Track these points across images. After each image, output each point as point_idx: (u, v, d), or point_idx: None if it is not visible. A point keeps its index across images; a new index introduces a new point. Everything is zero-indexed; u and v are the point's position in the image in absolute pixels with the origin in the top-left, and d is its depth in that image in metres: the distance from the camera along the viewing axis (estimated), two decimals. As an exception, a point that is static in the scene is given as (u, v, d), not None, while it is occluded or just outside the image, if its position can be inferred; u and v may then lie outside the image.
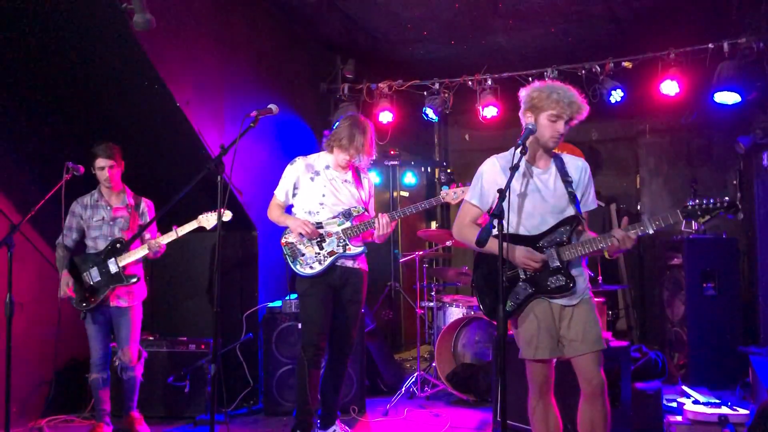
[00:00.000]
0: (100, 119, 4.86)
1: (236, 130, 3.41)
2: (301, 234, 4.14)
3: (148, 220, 4.50)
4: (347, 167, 4.27)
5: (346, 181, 4.28)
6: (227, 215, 4.33)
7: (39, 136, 4.90)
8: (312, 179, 4.23)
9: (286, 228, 4.29)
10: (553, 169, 3.15)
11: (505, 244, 2.82)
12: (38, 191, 4.44)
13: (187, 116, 4.66)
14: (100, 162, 4.38)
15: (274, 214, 4.35)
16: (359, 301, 4.29)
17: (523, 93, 3.15)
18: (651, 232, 2.95)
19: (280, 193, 4.32)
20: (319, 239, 4.16)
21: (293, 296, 5.15)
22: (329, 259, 4.14)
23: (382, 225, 4.11)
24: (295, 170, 4.26)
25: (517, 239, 3.11)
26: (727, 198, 2.88)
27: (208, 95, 5.02)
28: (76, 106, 4.73)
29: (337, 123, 4.27)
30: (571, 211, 3.11)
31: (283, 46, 6.21)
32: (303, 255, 4.17)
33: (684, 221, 2.93)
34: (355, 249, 4.19)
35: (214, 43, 5.15)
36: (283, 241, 4.26)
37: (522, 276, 3.13)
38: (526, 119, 3.10)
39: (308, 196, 4.23)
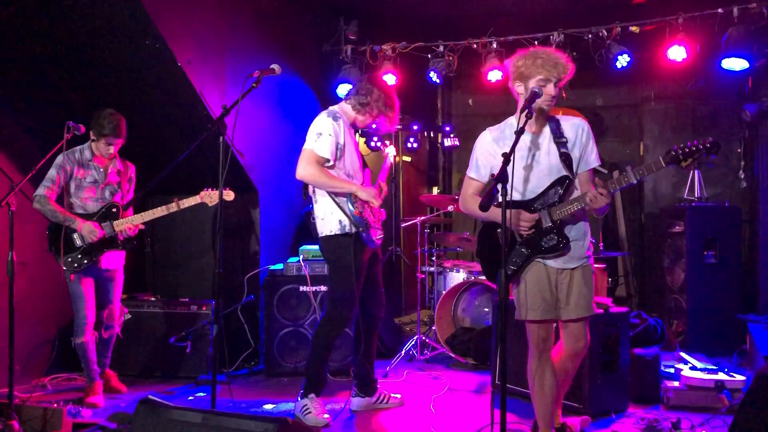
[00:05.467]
0: (101, 78, 4.81)
1: (238, 91, 3.37)
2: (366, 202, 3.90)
3: (134, 185, 4.63)
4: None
5: (356, 142, 4.12)
6: (229, 195, 4.44)
7: (39, 96, 4.86)
8: (350, 138, 3.97)
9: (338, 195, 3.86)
10: (547, 131, 3.22)
11: (507, 211, 2.95)
12: (39, 151, 4.43)
13: (189, 76, 4.60)
14: (110, 140, 4.33)
15: (322, 175, 3.78)
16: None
17: (509, 64, 3.23)
18: (635, 181, 3.07)
19: (326, 150, 3.76)
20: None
21: (294, 259, 5.17)
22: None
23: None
24: (340, 127, 3.84)
25: (512, 205, 3.19)
26: (710, 138, 2.97)
27: (210, 55, 4.95)
28: (75, 65, 4.67)
29: (366, 84, 3.98)
30: (563, 172, 3.18)
31: (286, 6, 6.11)
32: (369, 225, 3.93)
33: (666, 166, 3.03)
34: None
35: (216, 1, 5.07)
36: (357, 212, 3.85)
37: (518, 239, 3.23)
38: (517, 89, 3.19)
39: (350, 157, 3.94)
